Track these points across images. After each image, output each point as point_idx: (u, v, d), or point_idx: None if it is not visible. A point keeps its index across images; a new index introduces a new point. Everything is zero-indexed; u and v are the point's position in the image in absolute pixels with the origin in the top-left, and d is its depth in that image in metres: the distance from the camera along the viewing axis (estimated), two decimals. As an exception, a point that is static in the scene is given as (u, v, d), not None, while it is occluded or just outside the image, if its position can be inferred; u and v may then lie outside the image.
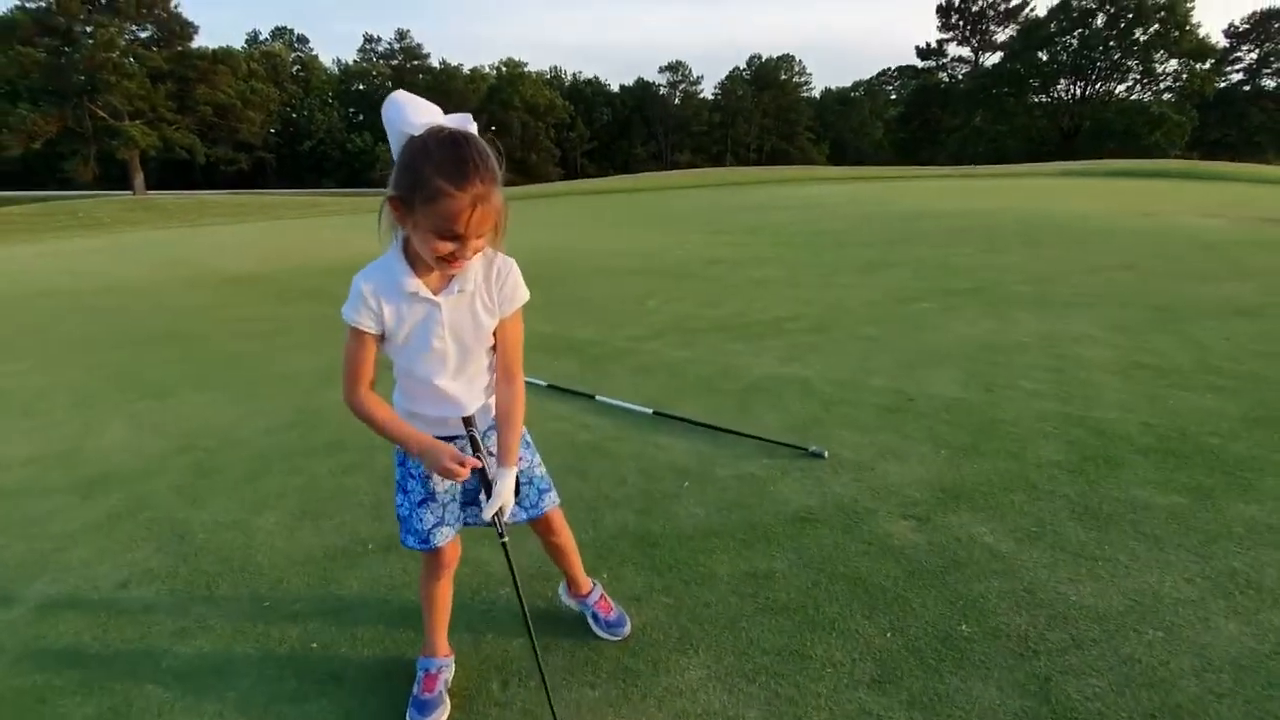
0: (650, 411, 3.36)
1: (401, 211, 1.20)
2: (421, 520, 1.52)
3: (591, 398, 3.60)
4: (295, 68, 70.29)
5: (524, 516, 1.62)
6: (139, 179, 48.59)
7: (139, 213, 23.21)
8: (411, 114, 1.15)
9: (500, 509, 1.39)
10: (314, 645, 1.83)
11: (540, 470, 1.64)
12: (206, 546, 2.33)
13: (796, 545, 2.22)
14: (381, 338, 1.33)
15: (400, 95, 1.17)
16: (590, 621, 1.83)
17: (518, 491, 1.48)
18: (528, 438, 1.59)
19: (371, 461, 2.93)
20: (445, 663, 1.66)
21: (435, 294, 1.31)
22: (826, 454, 2.83)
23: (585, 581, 1.85)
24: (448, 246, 1.18)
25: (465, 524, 1.60)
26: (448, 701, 1.59)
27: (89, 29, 45.29)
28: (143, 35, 49.60)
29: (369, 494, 2.65)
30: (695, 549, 2.21)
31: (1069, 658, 1.68)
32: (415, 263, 1.29)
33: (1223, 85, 54.94)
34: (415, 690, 1.60)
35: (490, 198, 1.16)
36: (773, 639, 1.78)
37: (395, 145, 1.18)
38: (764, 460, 2.83)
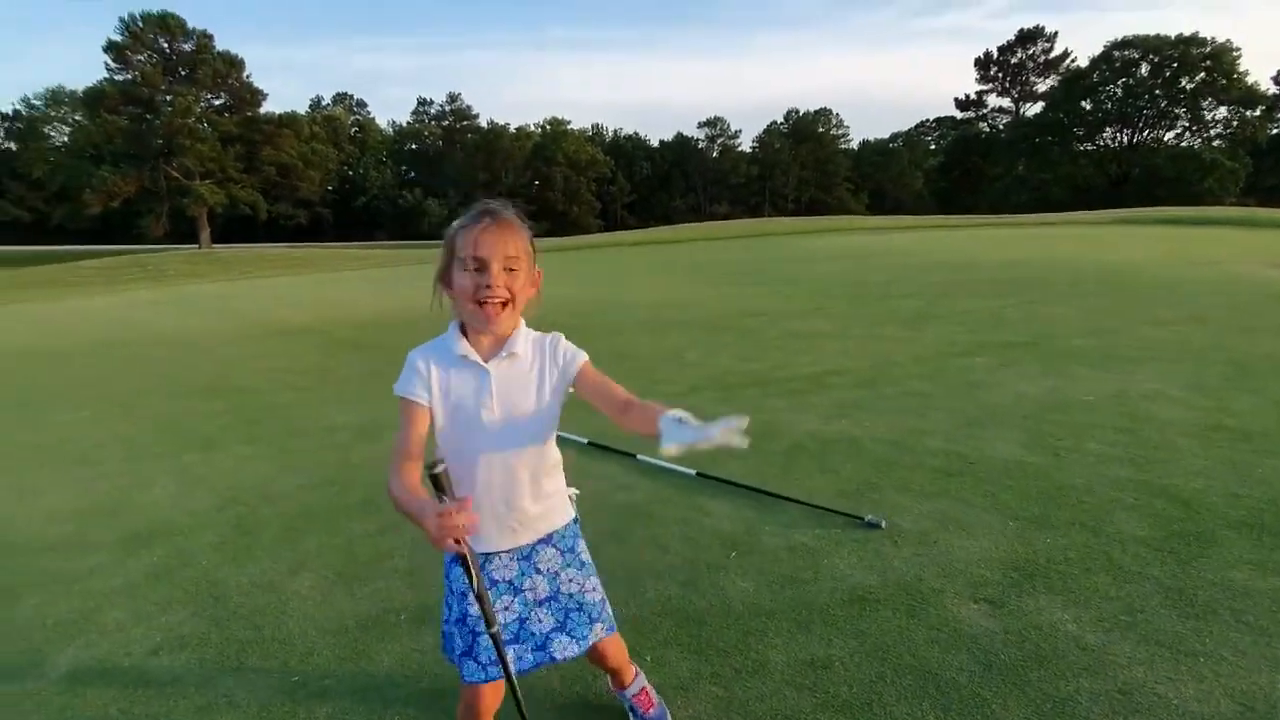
0: (693, 473, 3.24)
1: (445, 281, 1.29)
2: (487, 648, 1.33)
3: (633, 456, 3.50)
4: (353, 129, 74.76)
5: (573, 652, 1.40)
6: (205, 234, 51.67)
7: (202, 265, 24.55)
8: None
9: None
10: (341, 728, 1.73)
11: (594, 595, 1.46)
12: (240, 611, 2.28)
13: (856, 629, 2.04)
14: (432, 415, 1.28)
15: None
16: (630, 716, 1.69)
17: (566, 620, 1.41)
18: (583, 556, 1.46)
19: (407, 524, 2.86)
20: None
21: (485, 361, 1.29)
22: (884, 523, 2.65)
23: (629, 674, 1.70)
24: (476, 278, 1.23)
25: (519, 671, 1.36)
26: None
27: (169, 98, 49.15)
28: (216, 103, 53.55)
29: (404, 558, 2.58)
30: (745, 630, 2.06)
31: (1181, 779, 1.46)
32: (470, 337, 1.32)
33: (1275, 131, 53.40)
34: None
35: (505, 225, 1.24)
36: (834, 741, 1.61)
37: None
38: (815, 529, 2.67)
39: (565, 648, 1.40)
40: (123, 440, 4.25)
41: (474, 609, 1.32)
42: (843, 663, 1.89)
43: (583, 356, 1.37)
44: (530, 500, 1.35)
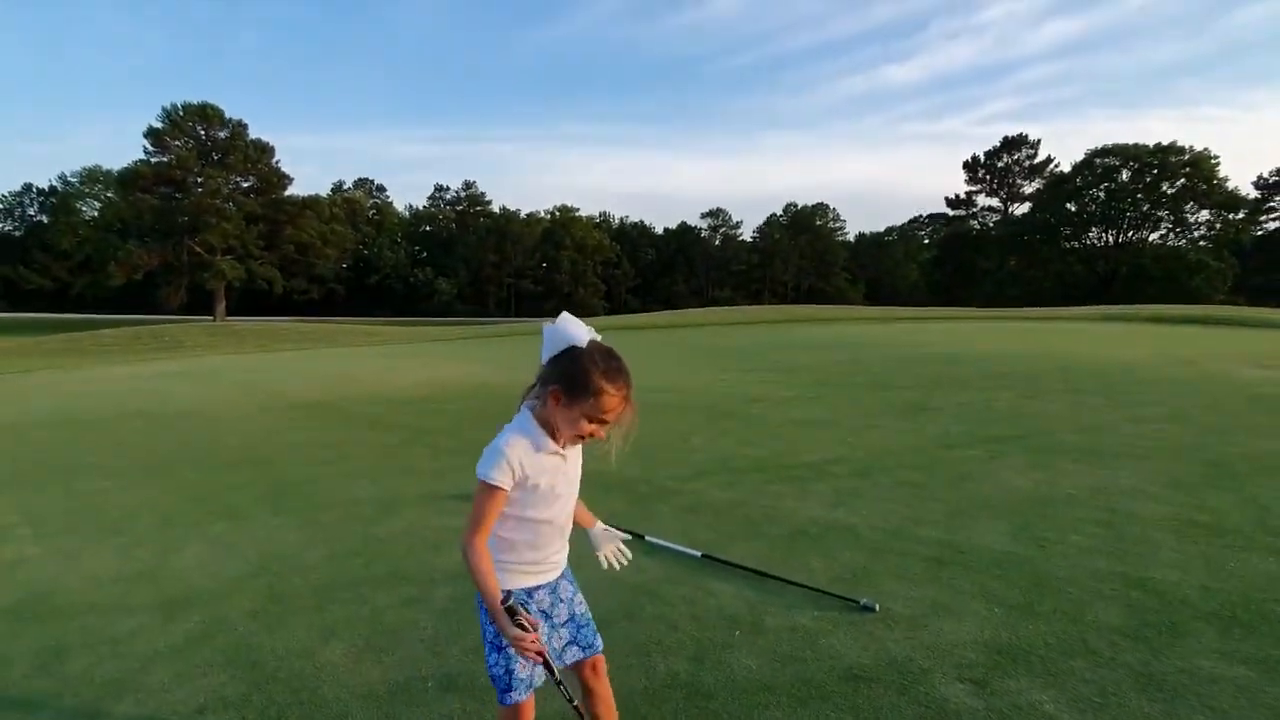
0: (699, 555, 3.44)
1: (563, 401, 1.51)
2: (525, 667, 1.62)
3: (641, 537, 3.70)
4: (371, 211, 78.13)
5: (584, 654, 1.75)
6: (221, 306, 52.97)
7: (218, 337, 25.17)
8: (579, 332, 1.54)
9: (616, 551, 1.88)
10: (378, 783, 1.88)
11: (587, 609, 1.79)
12: (277, 675, 2.45)
13: (851, 704, 2.21)
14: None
15: (567, 316, 1.57)
16: None
17: (578, 634, 1.74)
18: (571, 576, 1.80)
19: (430, 595, 3.05)
20: None
21: (562, 448, 1.60)
22: (878, 607, 2.84)
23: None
24: (592, 428, 1.53)
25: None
26: None
27: (200, 180, 51.79)
28: (244, 184, 56.36)
29: (429, 628, 2.75)
30: (750, 704, 2.22)
31: (1144, 847, 1.61)
32: (546, 428, 1.58)
33: (1259, 233, 55.57)
34: None
35: (631, 399, 1.57)
36: (830, 806, 1.77)
37: (552, 348, 1.54)
38: (814, 611, 2.85)
39: (575, 655, 1.74)
40: (153, 508, 4.45)
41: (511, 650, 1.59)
42: (838, 735, 2.06)
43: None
44: (562, 547, 1.73)
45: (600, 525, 1.88)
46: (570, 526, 1.73)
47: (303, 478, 5.17)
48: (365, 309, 68.93)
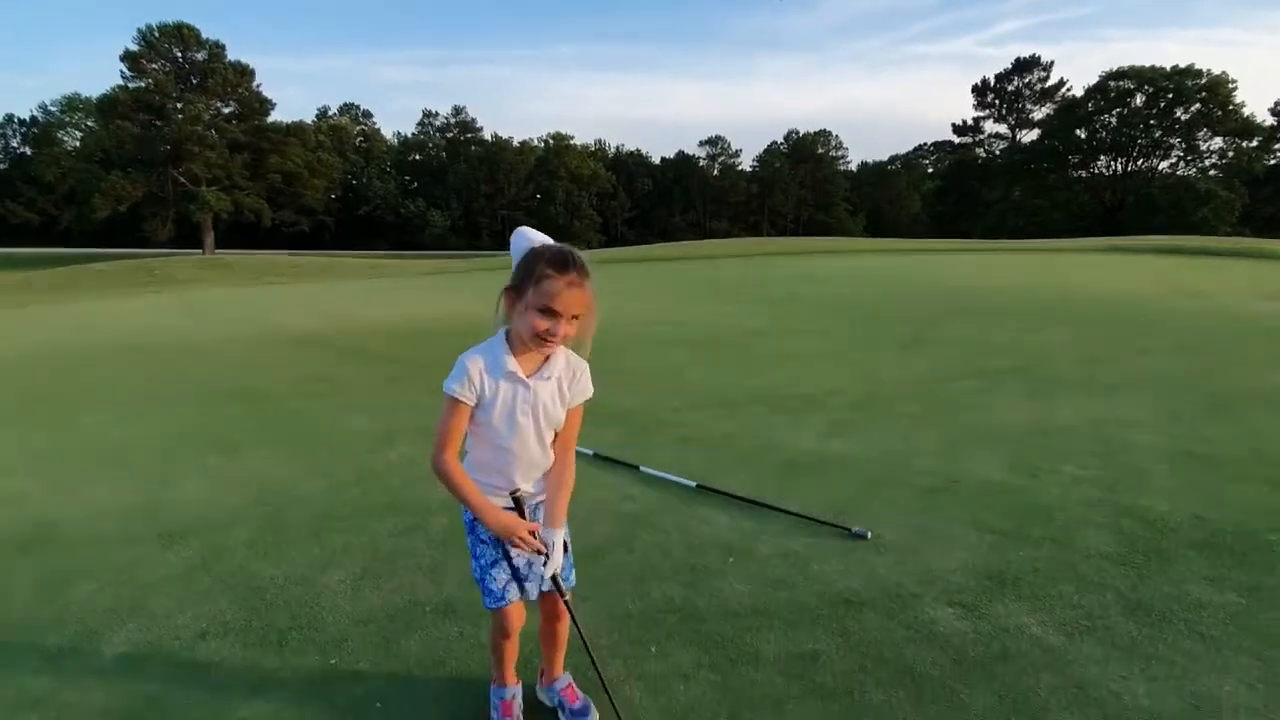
0: (694, 484, 3.45)
1: (513, 298, 1.49)
2: (495, 580, 1.68)
3: (636, 468, 3.71)
4: (359, 139, 75.51)
5: (563, 586, 1.73)
6: (209, 239, 52.01)
7: (209, 271, 24.78)
8: (535, 237, 1.53)
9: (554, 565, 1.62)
10: (378, 705, 1.93)
11: (569, 546, 1.78)
12: (277, 602, 2.48)
13: (841, 627, 2.25)
14: (473, 412, 1.56)
15: (524, 227, 1.53)
16: (558, 710, 1.88)
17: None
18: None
19: (427, 525, 3.07)
20: (517, 689, 1.87)
21: (528, 377, 1.55)
22: (870, 535, 2.86)
23: (560, 668, 1.92)
24: (545, 323, 1.44)
25: (536, 598, 1.75)
26: None
27: (180, 105, 49.73)
28: (225, 111, 54.16)
29: (426, 557, 2.78)
30: (741, 627, 2.26)
31: (1123, 761, 1.66)
32: (515, 350, 1.54)
33: (1272, 162, 54.14)
34: (494, 717, 1.79)
35: (582, 286, 1.45)
36: (819, 723, 1.81)
37: (517, 260, 1.50)
38: (807, 538, 2.88)
39: (547, 586, 1.71)
40: (150, 442, 4.45)
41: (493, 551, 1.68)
42: (828, 656, 2.10)
43: (587, 395, 1.66)
44: (543, 469, 1.67)
45: (564, 532, 1.68)
46: (542, 466, 1.65)
47: (298, 411, 5.15)
48: (357, 242, 67.70)
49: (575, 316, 1.47)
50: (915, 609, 2.34)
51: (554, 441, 1.66)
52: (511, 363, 1.53)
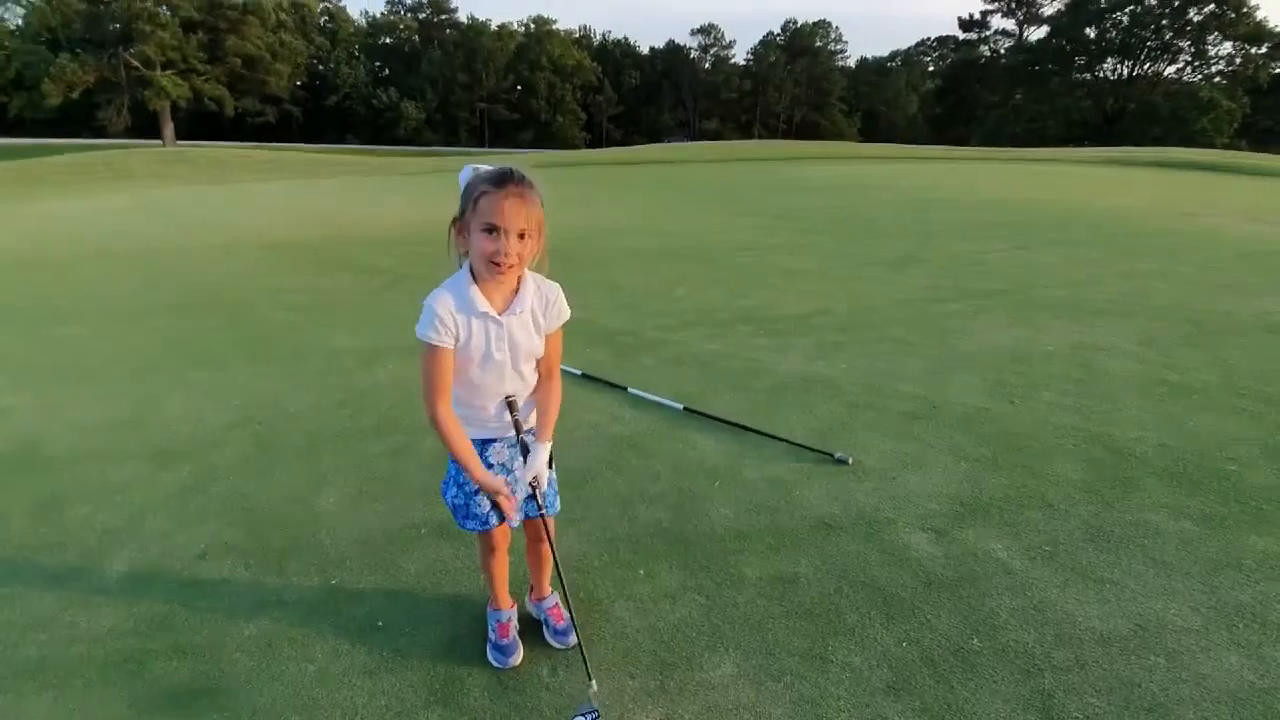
0: (681, 407, 3.50)
1: (459, 228, 1.46)
2: (480, 505, 1.72)
3: (624, 390, 3.75)
4: (323, 19, 69.68)
5: (537, 514, 1.75)
6: (169, 129, 48.95)
7: (170, 165, 23.52)
8: (481, 169, 1.46)
9: (536, 478, 1.63)
10: (380, 624, 2.02)
11: (553, 476, 1.80)
12: (273, 521, 2.54)
13: (820, 551, 2.36)
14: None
15: (473, 164, 1.48)
16: (544, 627, 1.97)
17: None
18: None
19: (419, 446, 3.11)
20: (512, 613, 1.94)
21: (500, 314, 1.52)
22: (851, 460, 2.96)
23: (547, 588, 2.01)
24: (491, 243, 1.40)
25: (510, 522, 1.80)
26: (521, 644, 1.88)
27: (125, -24, 45.19)
28: (175, -17, 49.34)
29: (419, 479, 2.83)
30: (726, 550, 2.37)
31: (1072, 677, 1.81)
32: (481, 285, 1.50)
33: (1278, 71, 52.44)
34: (493, 638, 1.88)
35: (523, 197, 1.39)
36: (797, 642, 1.94)
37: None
38: (790, 463, 2.97)
39: (532, 511, 1.75)
40: (129, 356, 4.38)
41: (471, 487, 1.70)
42: (807, 578, 2.22)
43: (564, 318, 1.63)
44: (522, 406, 1.67)
45: (549, 446, 1.66)
46: (518, 392, 1.65)
47: (280, 324, 5.06)
48: (326, 135, 64.17)
49: (523, 235, 1.42)
50: (890, 534, 2.46)
51: (536, 367, 1.66)
52: (480, 300, 1.50)
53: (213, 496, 2.72)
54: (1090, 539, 2.43)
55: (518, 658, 1.85)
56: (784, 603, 2.11)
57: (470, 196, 1.40)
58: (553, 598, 2.00)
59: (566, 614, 1.93)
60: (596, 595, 2.13)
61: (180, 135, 49.92)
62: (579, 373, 3.96)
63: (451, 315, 1.48)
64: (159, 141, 45.38)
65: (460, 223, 1.45)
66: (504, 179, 1.39)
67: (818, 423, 3.38)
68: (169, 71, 47.67)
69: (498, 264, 1.42)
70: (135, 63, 46.69)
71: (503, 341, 1.53)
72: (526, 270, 1.54)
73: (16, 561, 2.32)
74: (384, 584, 2.20)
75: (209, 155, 26.87)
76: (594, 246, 8.11)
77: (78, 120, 48.90)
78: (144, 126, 49.27)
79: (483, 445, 1.68)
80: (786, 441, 3.13)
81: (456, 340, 1.49)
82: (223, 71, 51.67)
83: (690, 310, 5.42)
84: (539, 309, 1.57)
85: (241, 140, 50.87)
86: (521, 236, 1.41)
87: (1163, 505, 2.64)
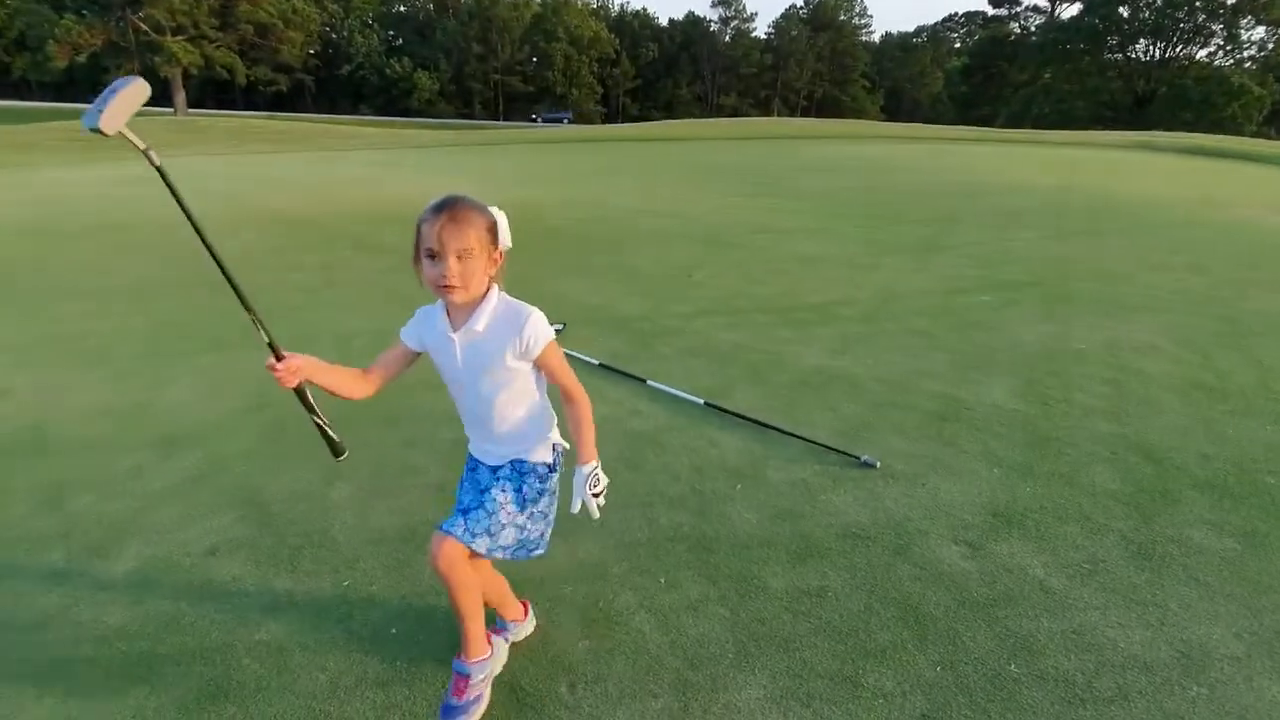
0: (701, 402, 3.40)
1: (415, 260, 1.48)
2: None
3: (643, 382, 3.64)
4: (336, -15, 68.53)
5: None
6: (180, 97, 48.54)
7: (183, 135, 23.37)
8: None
9: (584, 504, 1.57)
10: (393, 630, 1.95)
11: (510, 528, 1.61)
12: (285, 517, 2.47)
13: (848, 563, 2.27)
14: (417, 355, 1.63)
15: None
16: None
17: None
18: (526, 494, 1.64)
19: (432, 436, 3.04)
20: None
21: (454, 333, 1.54)
22: (878, 464, 2.85)
23: (512, 609, 1.90)
24: (433, 268, 1.43)
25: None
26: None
27: (133, -64, 44.45)
28: (185, -55, 48.51)
29: (434, 474, 2.76)
30: (749, 558, 2.28)
31: (1115, 709, 1.72)
32: (449, 309, 1.55)
33: (1313, 56, 50.74)
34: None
35: (457, 220, 1.41)
36: (826, 663, 1.86)
37: None
38: (815, 465, 2.87)
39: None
40: (135, 336, 4.31)
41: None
42: (835, 593, 2.13)
43: (544, 342, 1.54)
44: (495, 433, 1.63)
45: (588, 467, 1.56)
46: (490, 425, 1.59)
47: (289, 305, 4.98)
48: (339, 105, 63.60)
49: (460, 256, 1.42)
50: (922, 546, 2.36)
51: (511, 398, 1.59)
52: (442, 319, 1.56)
53: (221, 489, 2.65)
54: (1130, 557, 2.32)
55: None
56: (812, 618, 2.02)
57: (417, 229, 1.45)
58: (525, 627, 1.94)
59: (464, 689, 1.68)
60: (616, 606, 2.05)
61: (191, 103, 49.59)
62: (596, 362, 3.86)
63: (419, 325, 1.59)
64: (170, 109, 45.12)
65: (416, 256, 1.49)
66: (440, 206, 1.43)
67: (841, 421, 3.27)
68: (179, 38, 47.16)
69: (443, 287, 1.45)
70: (144, 27, 46.20)
71: (457, 359, 1.55)
72: (496, 291, 1.53)
73: (20, 554, 2.27)
74: (397, 586, 2.13)
75: (221, 125, 26.69)
76: (610, 227, 7.95)
77: (85, 84, 48.62)
78: (155, 95, 48.83)
79: (474, 461, 1.72)
80: (810, 442, 3.03)
81: (424, 350, 1.60)
82: (234, 39, 51.03)
83: (708, 297, 5.29)
84: (508, 336, 1.52)
85: (253, 109, 50.49)
86: (460, 258, 1.42)
87: (1204, 521, 2.53)
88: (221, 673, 1.80)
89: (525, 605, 1.96)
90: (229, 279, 1.44)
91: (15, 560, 2.24)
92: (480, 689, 1.69)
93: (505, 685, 1.77)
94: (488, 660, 1.71)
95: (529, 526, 1.66)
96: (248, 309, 1.46)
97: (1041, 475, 2.82)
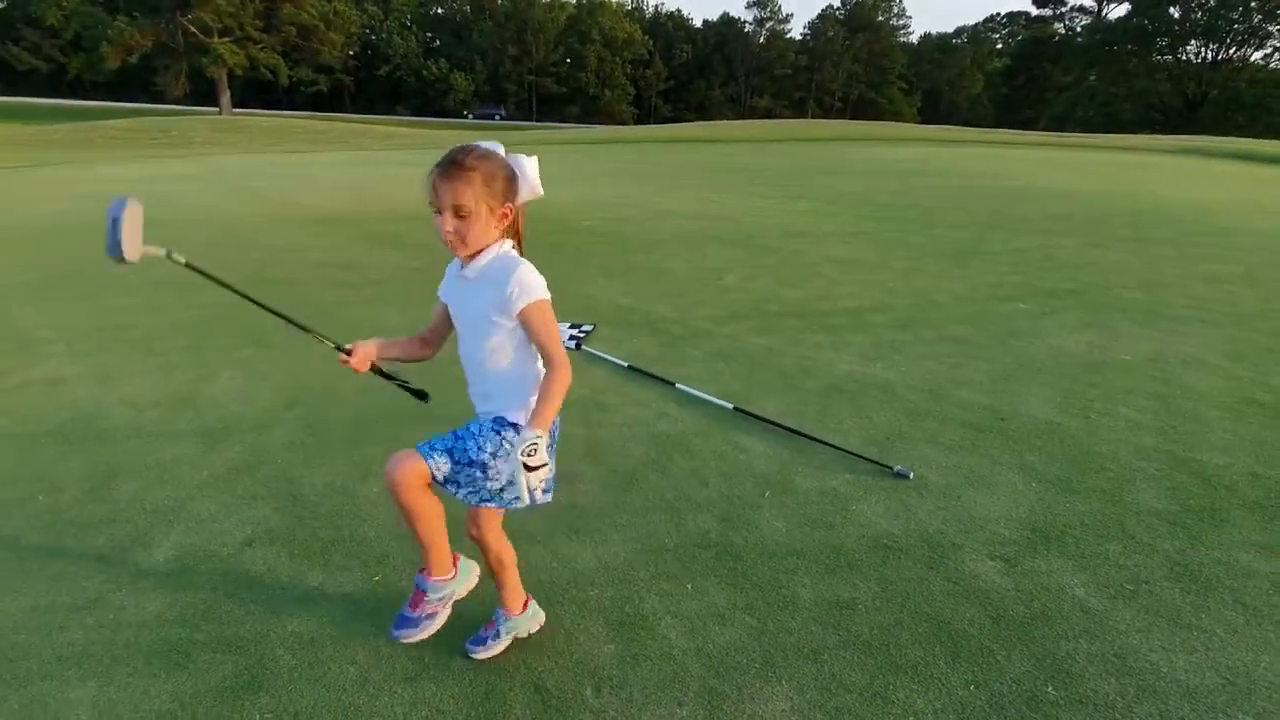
0: (730, 407, 3.37)
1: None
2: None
3: (672, 385, 3.63)
4: (376, -12, 69.96)
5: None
6: (225, 97, 50.14)
7: (226, 134, 24.09)
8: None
9: (514, 476, 1.55)
10: (421, 627, 1.97)
11: (493, 477, 1.60)
12: (319, 510, 2.52)
13: (880, 575, 2.23)
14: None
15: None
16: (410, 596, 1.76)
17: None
18: (487, 449, 1.57)
19: (462, 435, 3.06)
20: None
21: (456, 280, 1.62)
22: (912, 475, 2.79)
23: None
24: (437, 220, 1.47)
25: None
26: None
27: (184, -59, 46.05)
28: (233, -50, 50.06)
29: (462, 472, 2.78)
30: (778, 568, 2.25)
31: (1159, 738, 1.66)
32: (462, 263, 1.59)
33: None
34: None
35: (451, 175, 1.42)
36: (855, 677, 1.82)
37: None
38: (846, 474, 2.82)
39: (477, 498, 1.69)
40: (181, 329, 4.46)
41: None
42: (865, 606, 2.09)
43: (525, 301, 1.48)
44: (480, 384, 1.65)
45: (530, 433, 1.40)
46: (481, 369, 1.59)
47: (328, 302, 5.09)
48: (377, 105, 64.90)
49: (461, 213, 1.44)
50: (955, 560, 2.30)
51: (494, 352, 1.57)
52: (455, 269, 1.62)
53: (260, 480, 2.72)
54: (1175, 578, 2.24)
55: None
56: (840, 631, 1.99)
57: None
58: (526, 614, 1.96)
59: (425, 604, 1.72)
60: (642, 610, 2.05)
61: (235, 103, 51.15)
62: (625, 364, 3.86)
63: (445, 278, 1.67)
64: (215, 109, 46.58)
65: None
66: (442, 161, 1.45)
67: (874, 430, 3.22)
68: (225, 39, 48.68)
69: (446, 241, 1.49)
70: (193, 29, 47.78)
71: (456, 307, 1.63)
72: (501, 244, 1.54)
73: (67, 537, 2.36)
74: (426, 583, 2.15)
75: (264, 125, 27.45)
76: (641, 229, 7.95)
77: (136, 84, 50.44)
78: (201, 93, 50.58)
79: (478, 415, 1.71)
80: (841, 450, 2.98)
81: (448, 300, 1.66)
82: (278, 40, 52.56)
83: (739, 300, 5.25)
84: (493, 286, 1.51)
85: (295, 109, 51.80)
86: (458, 214, 1.44)
87: (1254, 544, 2.42)
88: (255, 662, 1.84)
89: (528, 600, 1.95)
90: (285, 317, 1.65)
91: (63, 544, 2.33)
92: (435, 607, 1.72)
93: (530, 685, 1.78)
94: (448, 582, 1.74)
95: (492, 466, 1.56)
96: (304, 329, 1.58)
97: (1082, 490, 2.73)
